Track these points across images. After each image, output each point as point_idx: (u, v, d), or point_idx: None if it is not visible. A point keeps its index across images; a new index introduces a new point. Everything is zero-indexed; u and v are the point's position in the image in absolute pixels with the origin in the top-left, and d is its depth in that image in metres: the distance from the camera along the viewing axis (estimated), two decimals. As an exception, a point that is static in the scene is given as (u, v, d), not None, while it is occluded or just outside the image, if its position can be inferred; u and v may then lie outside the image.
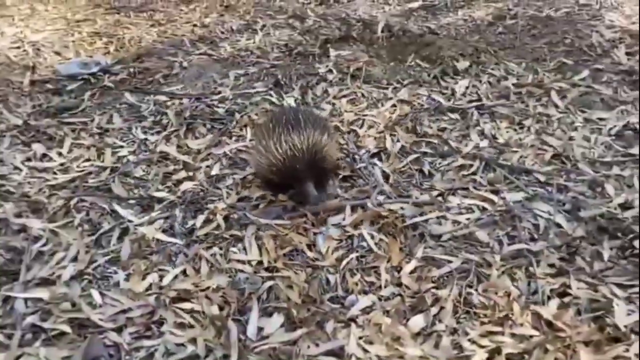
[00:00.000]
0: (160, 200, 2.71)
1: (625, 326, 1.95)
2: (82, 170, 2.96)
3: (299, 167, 2.47)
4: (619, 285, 2.16)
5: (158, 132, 3.27)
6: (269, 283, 2.23)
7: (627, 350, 1.85)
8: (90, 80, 3.81)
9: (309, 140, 2.48)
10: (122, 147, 3.15)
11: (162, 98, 3.59)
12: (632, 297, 2.10)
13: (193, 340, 2.01)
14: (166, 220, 2.59)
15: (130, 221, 2.58)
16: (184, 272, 2.31)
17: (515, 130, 3.16)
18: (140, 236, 2.48)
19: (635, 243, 2.33)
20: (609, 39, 4.01)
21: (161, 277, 2.29)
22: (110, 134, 3.26)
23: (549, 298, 2.12)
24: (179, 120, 3.33)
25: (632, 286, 2.15)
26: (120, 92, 3.67)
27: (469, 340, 1.95)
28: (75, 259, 2.38)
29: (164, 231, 2.53)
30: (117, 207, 2.66)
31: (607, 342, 1.91)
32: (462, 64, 3.75)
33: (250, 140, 3.09)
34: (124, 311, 2.13)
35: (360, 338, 1.99)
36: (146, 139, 3.21)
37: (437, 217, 2.56)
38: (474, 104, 3.37)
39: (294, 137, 2.46)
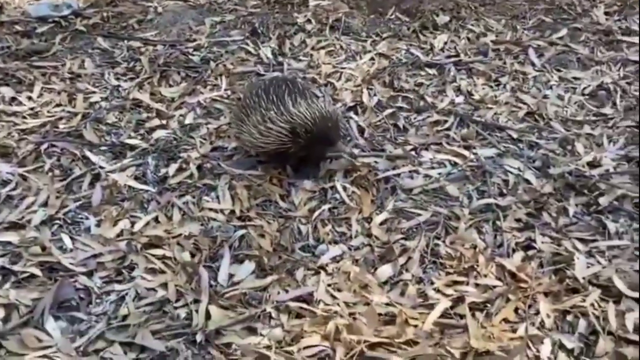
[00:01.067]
0: (132, 148, 2.68)
1: (584, 278, 2.02)
2: (53, 116, 2.90)
3: (333, 128, 2.41)
4: (581, 240, 2.22)
5: (131, 79, 3.20)
6: (241, 232, 2.25)
7: (584, 301, 1.92)
8: (61, 24, 3.69)
9: (332, 105, 2.46)
10: (94, 92, 3.09)
11: (136, 44, 3.50)
12: (593, 252, 2.17)
13: (164, 285, 2.03)
14: (138, 167, 2.58)
15: (101, 167, 2.56)
16: (155, 219, 2.32)
17: (491, 87, 3.18)
18: (112, 183, 2.47)
19: (600, 200, 2.39)
20: (589, -2, 4.00)
21: (133, 224, 2.29)
22: (82, 79, 3.19)
23: (513, 251, 2.18)
24: (152, 67, 3.27)
25: (594, 241, 2.22)
26: (93, 37, 3.57)
27: (434, 289, 2.01)
28: (45, 204, 2.36)
29: (136, 178, 2.52)
30: (88, 153, 2.63)
31: (565, 292, 1.98)
32: (442, 19, 3.72)
33: (234, 110, 2.78)
34: (94, 256, 2.14)
35: (329, 285, 2.04)
36: (119, 86, 3.15)
37: (410, 171, 2.59)
38: (452, 59, 3.36)
39: (318, 102, 2.41)
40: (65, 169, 2.56)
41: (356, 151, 2.69)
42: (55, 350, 1.80)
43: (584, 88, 3.14)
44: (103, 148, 2.69)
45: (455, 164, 2.63)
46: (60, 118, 2.89)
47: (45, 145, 2.67)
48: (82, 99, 3.01)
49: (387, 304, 1.95)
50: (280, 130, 2.37)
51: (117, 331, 1.87)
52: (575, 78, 3.22)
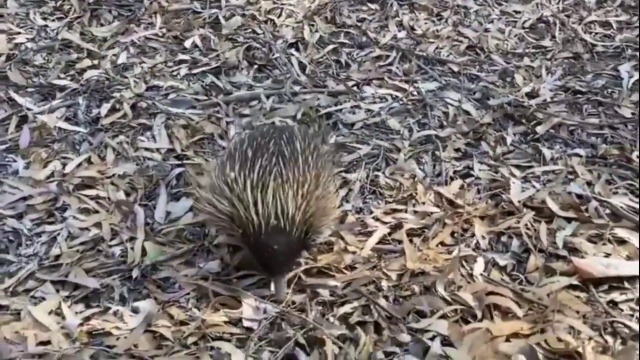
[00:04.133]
0: (62, 89, 2.56)
1: (519, 201, 2.06)
2: (-26, 58, 2.73)
3: (277, 247, 1.58)
4: (518, 167, 2.26)
5: (59, 19, 3.04)
6: (179, 170, 2.20)
7: (518, 222, 1.96)
8: (-21, -39, 3.43)
9: (307, 203, 1.60)
10: (18, 33, 2.91)
11: (64, -18, 3.30)
12: (528, 177, 2.21)
13: (98, 225, 1.97)
14: (69, 108, 2.47)
15: (29, 109, 2.44)
16: (88, 160, 2.24)
17: (433, 21, 3.16)
18: (41, 124, 2.36)
19: (538, 129, 2.43)
20: None
21: (64, 165, 2.21)
22: (5, 19, 3.00)
23: (452, 179, 2.20)
24: (82, 5, 3.10)
25: (530, 167, 2.26)
26: (16, -25, 3.34)
27: (373, 217, 2.02)
28: (-32, 149, 2.25)
29: (66, 119, 2.42)
30: (14, 95, 2.50)
31: (501, 215, 2.02)
32: (384, -47, 3.64)
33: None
34: (24, 198, 2.06)
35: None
36: (46, 26, 2.98)
37: (352, 107, 2.57)
38: (394, -6, 3.31)
39: (284, 188, 1.58)
40: (-12, 112, 2.43)
41: (297, 88, 2.64)
42: (-18, 294, 1.74)
43: (524, 21, 3.15)
44: (30, 90, 2.56)
45: (396, 98, 2.62)
46: (-18, 60, 2.72)
47: (-34, 88, 2.52)
48: (6, 39, 2.84)
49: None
50: (217, 206, 1.66)
51: (48, 271, 1.81)
52: (515, 11, 3.23)
